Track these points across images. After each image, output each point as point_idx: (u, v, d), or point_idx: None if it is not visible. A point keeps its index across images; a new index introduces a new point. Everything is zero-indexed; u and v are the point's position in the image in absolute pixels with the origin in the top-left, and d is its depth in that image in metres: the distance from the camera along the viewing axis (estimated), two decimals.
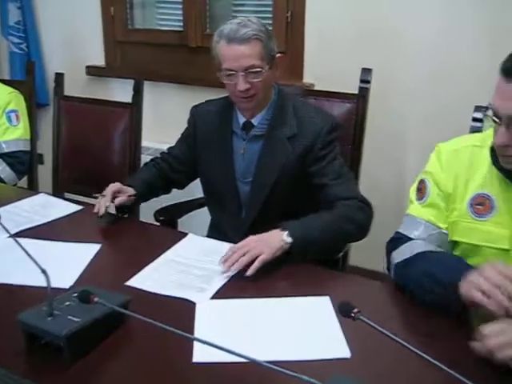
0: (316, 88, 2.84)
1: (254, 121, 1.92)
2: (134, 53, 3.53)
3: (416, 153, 2.73)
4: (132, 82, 2.52)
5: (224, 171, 1.97)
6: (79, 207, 2.03)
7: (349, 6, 2.82)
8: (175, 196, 2.26)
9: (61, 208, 2.03)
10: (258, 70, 1.80)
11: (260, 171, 1.92)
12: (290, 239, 1.63)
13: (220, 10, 3.31)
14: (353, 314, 1.06)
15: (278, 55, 1.89)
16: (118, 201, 1.90)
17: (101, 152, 2.58)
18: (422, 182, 1.60)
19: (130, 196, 1.94)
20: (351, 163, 2.18)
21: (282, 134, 1.88)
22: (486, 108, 1.38)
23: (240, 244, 1.62)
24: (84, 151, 2.63)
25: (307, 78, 2.96)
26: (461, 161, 1.52)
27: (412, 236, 1.57)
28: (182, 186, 2.18)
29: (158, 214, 2.20)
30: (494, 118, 1.33)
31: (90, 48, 3.60)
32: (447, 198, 1.54)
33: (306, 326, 1.34)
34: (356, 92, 2.22)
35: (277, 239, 1.63)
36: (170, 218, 2.22)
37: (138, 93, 2.50)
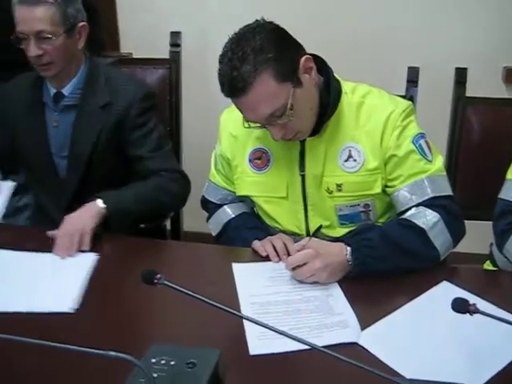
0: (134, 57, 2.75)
1: (65, 91, 1.82)
2: None
3: None
4: None
5: (38, 146, 1.85)
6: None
7: None
8: None
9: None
10: (49, 36, 1.68)
11: (75, 143, 1.83)
12: (103, 205, 1.65)
13: None
14: (156, 281, 1.04)
15: (82, 24, 1.77)
16: None
17: None
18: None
19: None
20: (171, 129, 2.15)
21: (94, 103, 1.81)
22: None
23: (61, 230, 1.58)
24: None
25: (125, 49, 2.85)
26: (235, 121, 1.60)
27: (215, 201, 1.73)
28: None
29: None
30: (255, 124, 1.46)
31: None
32: (229, 162, 1.66)
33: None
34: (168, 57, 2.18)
35: (93, 209, 1.64)
36: None
37: None
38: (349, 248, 1.38)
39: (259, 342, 1.17)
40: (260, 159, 1.60)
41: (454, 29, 2.55)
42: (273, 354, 1.15)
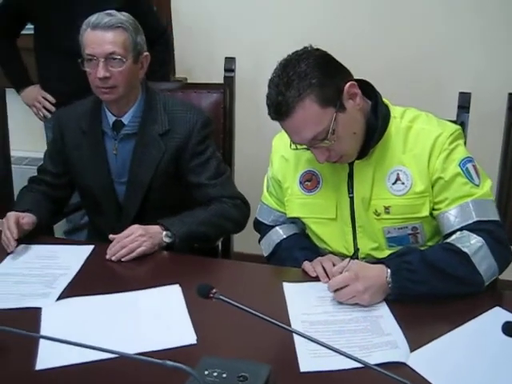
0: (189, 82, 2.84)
1: (125, 119, 1.87)
2: None
3: None
4: None
5: (98, 173, 1.91)
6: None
7: None
8: None
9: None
10: (119, 57, 1.75)
11: (135, 170, 1.88)
12: (168, 240, 1.72)
13: None
14: (211, 295, 1.08)
15: (145, 54, 1.86)
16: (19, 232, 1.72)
17: None
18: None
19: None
20: (224, 152, 2.19)
21: (153, 132, 1.86)
22: None
23: (123, 234, 1.69)
24: None
25: (179, 73, 2.94)
26: (287, 144, 1.59)
27: (267, 222, 1.76)
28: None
29: None
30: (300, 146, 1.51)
31: None
32: (280, 184, 1.70)
33: (157, 316, 1.38)
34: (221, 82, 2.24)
35: (158, 236, 1.72)
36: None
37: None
38: (389, 270, 1.39)
39: (310, 360, 1.19)
40: (310, 181, 1.63)
41: (506, 53, 2.54)
42: (322, 371, 1.16)
